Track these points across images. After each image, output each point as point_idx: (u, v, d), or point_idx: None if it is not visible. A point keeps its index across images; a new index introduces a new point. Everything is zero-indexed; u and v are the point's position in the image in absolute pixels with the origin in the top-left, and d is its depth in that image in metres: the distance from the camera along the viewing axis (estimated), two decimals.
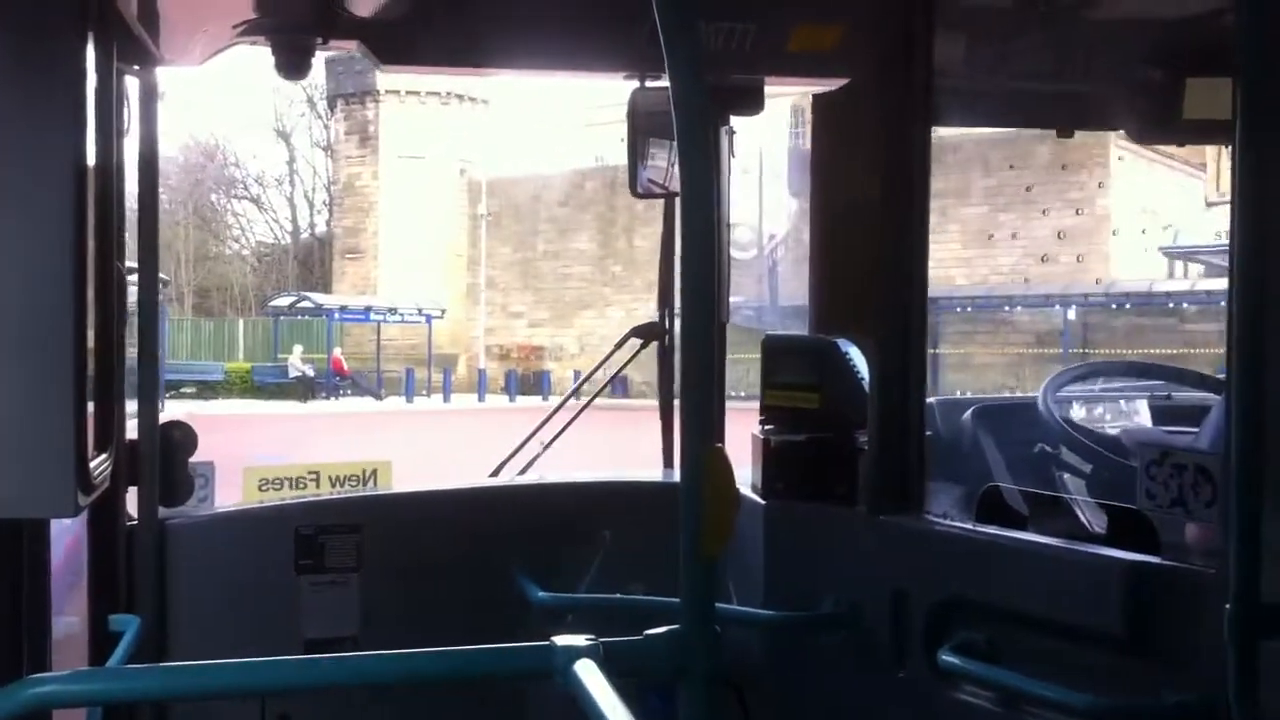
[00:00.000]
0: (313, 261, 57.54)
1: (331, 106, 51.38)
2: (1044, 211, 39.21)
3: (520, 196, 47.85)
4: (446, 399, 41.09)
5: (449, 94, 47.25)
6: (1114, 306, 37.13)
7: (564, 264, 46.74)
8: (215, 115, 74.26)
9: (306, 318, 45.83)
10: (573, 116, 53.14)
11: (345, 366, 42.17)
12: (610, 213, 45.69)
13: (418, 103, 47.29)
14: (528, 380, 43.43)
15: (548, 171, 48.62)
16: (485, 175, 47.61)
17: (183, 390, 37.78)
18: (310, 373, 41.06)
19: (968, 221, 39.46)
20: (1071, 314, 37.05)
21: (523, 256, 47.67)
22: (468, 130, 48.05)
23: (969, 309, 38.18)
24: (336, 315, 43.98)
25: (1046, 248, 39.33)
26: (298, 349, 41.83)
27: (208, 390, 39.71)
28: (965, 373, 37.21)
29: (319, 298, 45.74)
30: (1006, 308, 38.43)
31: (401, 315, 44.19)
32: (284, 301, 45.92)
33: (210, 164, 59.53)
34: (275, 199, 67.67)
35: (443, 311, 44.32)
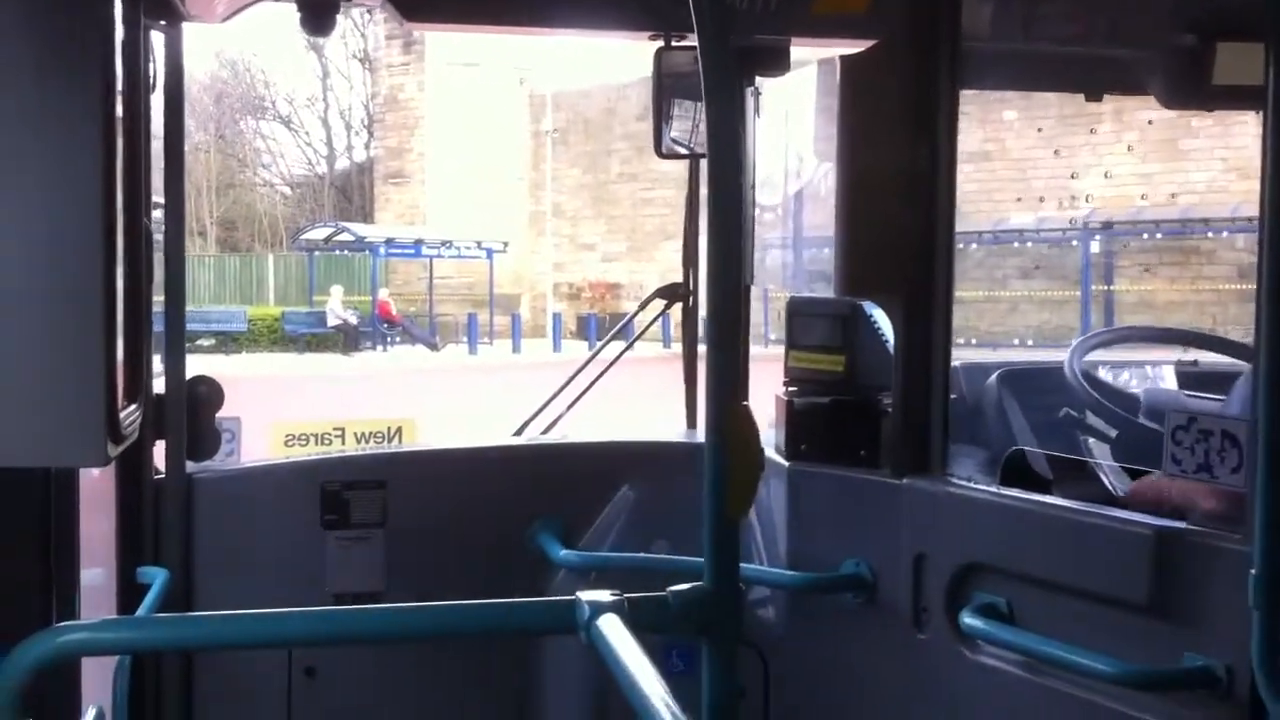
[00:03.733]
0: (351, 189, 52.95)
1: (369, 10, 45.22)
2: (1251, 115, 32.12)
3: (590, 110, 42.82)
4: (516, 348, 35.54)
5: None
6: None
7: (643, 187, 41.32)
8: (238, 28, 68.12)
9: (347, 253, 40.77)
10: None
11: (394, 311, 36.64)
12: None
13: None
14: (606, 325, 37.40)
15: (623, 80, 42.55)
16: (550, 86, 42.81)
17: (198, 343, 31.66)
18: (353, 320, 35.32)
19: (1148, 130, 32.60)
20: None
21: (594, 179, 42.84)
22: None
23: (1158, 235, 31.51)
24: (382, 250, 38.66)
25: (1253, 160, 32.28)
26: (337, 290, 36.12)
27: (229, 342, 33.78)
28: (1147, 313, 31.02)
29: (361, 229, 40.46)
30: (1211, 233, 31.50)
31: (459, 249, 38.95)
32: (320, 234, 40.76)
33: (234, 81, 54.01)
34: (308, 119, 62.36)
35: (505, 245, 39.32)
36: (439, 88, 42.50)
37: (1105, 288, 32.79)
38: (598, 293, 41.46)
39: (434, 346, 35.74)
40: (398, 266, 41.41)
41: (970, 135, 35.65)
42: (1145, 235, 31.66)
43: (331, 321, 35.04)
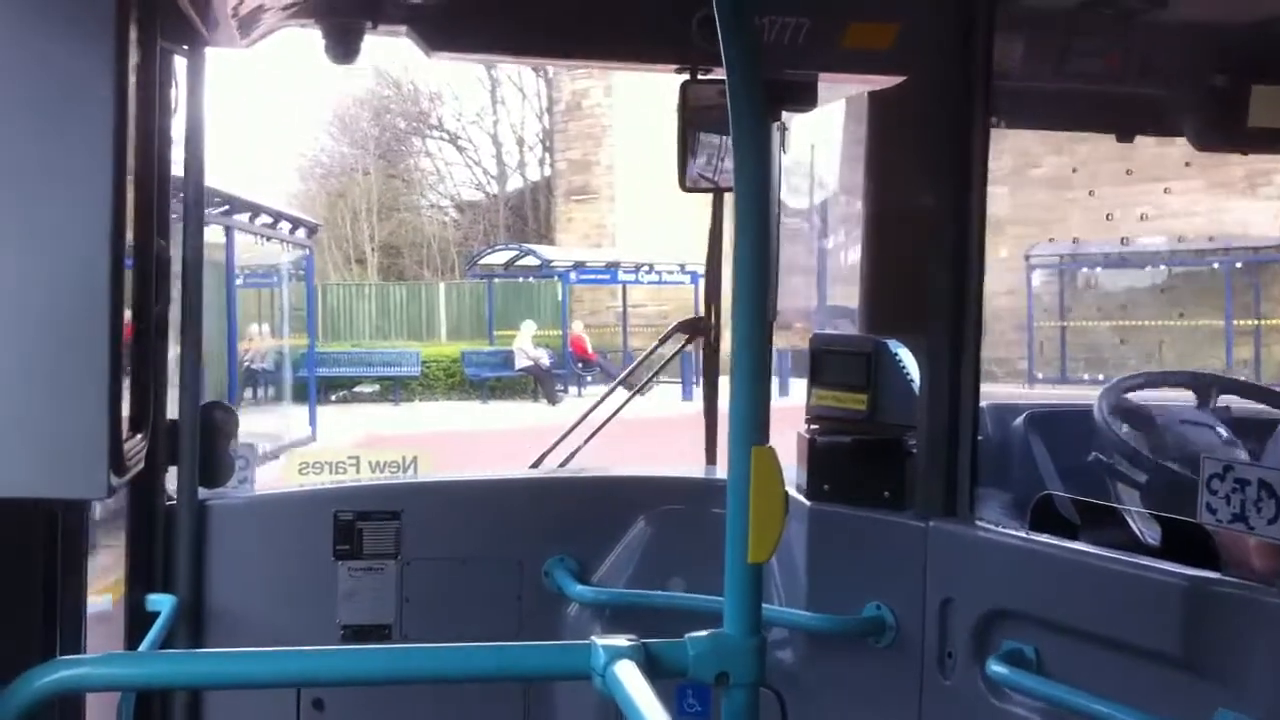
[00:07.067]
0: (526, 209, 47.99)
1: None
2: None
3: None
4: None
5: None
6: None
7: None
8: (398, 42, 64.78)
9: (530, 279, 35.99)
10: None
11: (589, 348, 31.56)
12: None
13: None
14: None
15: None
16: None
17: (357, 390, 26.42)
18: (546, 360, 29.89)
19: None
20: None
21: None
22: None
23: None
24: (572, 275, 33.90)
25: None
26: (527, 326, 30.82)
27: (396, 389, 28.70)
28: None
29: (546, 251, 35.67)
30: None
31: (659, 274, 33.82)
32: (499, 258, 36.03)
33: (398, 98, 49.97)
34: (476, 135, 58.12)
35: None
36: (628, 91, 37.35)
37: None
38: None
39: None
40: (582, 295, 36.86)
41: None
42: None
43: (521, 363, 29.84)
